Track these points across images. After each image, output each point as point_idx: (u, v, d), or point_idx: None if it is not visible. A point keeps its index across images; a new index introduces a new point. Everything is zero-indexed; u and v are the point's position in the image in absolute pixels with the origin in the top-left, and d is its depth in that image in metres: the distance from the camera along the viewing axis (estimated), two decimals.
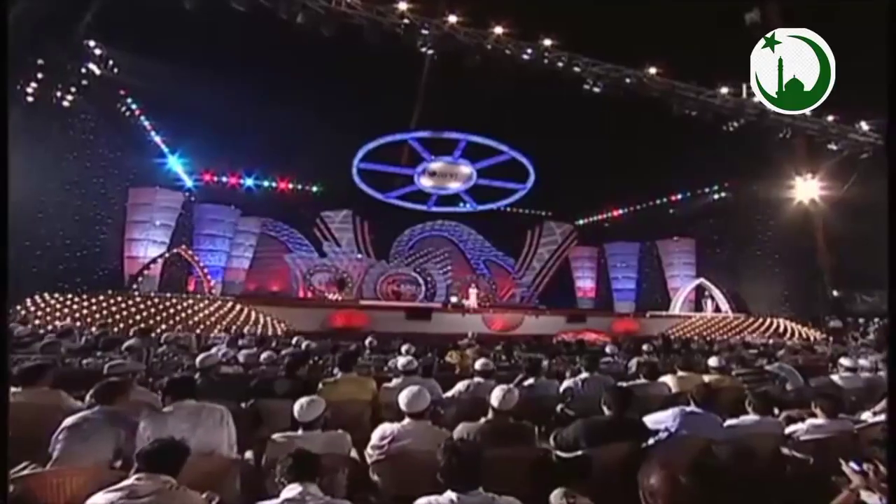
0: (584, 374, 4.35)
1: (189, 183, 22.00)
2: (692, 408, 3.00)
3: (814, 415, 3.16)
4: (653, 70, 14.47)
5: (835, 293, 20.22)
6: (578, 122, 18.25)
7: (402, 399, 2.77)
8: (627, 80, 14.47)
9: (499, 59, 13.56)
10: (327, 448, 2.54)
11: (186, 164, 21.13)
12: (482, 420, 2.83)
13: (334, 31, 12.54)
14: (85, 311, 13.10)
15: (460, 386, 4.08)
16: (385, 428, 2.71)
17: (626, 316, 22.56)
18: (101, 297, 13.89)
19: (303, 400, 2.73)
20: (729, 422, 3.13)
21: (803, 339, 15.63)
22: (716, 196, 23.70)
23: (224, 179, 23.56)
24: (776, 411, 3.73)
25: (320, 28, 12.44)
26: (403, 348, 5.25)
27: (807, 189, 19.39)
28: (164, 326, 13.17)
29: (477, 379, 4.10)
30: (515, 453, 2.57)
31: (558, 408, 4.17)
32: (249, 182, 24.14)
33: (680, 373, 4.80)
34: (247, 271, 24.63)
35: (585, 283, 30.01)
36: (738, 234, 23.38)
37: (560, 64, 13.95)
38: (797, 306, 20.89)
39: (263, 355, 5.16)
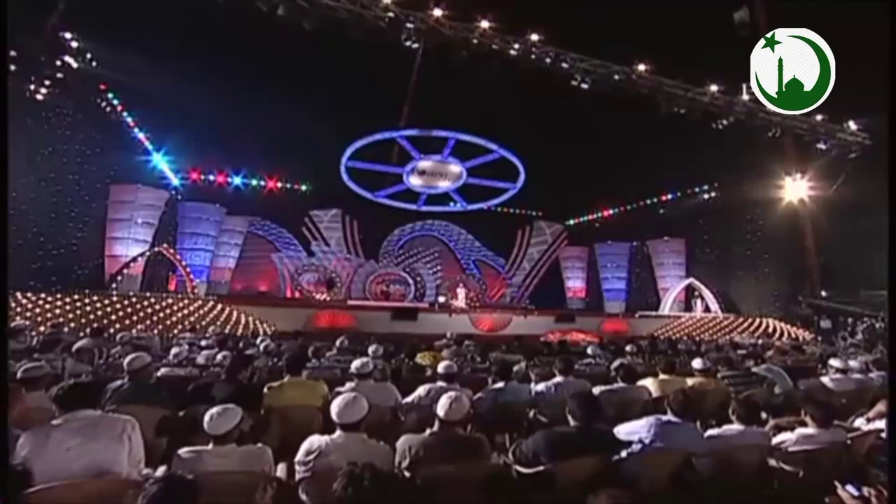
0: (559, 378, 4.06)
1: (175, 181, 21.58)
2: (669, 417, 2.70)
3: (804, 423, 2.88)
4: (641, 67, 14.28)
5: (823, 293, 20.17)
6: (568, 121, 18.17)
7: (334, 408, 2.45)
8: (616, 77, 14.28)
9: (486, 53, 13.30)
10: (243, 465, 2.22)
11: (172, 161, 20.71)
12: (427, 432, 2.50)
13: (317, 25, 12.22)
14: (58, 311, 12.64)
15: (420, 391, 3.76)
16: (312, 441, 2.39)
17: (615, 316, 22.44)
18: (77, 297, 13.44)
19: (213, 409, 2.37)
20: (710, 432, 2.84)
21: (792, 340, 15.48)
22: (706, 196, 23.61)
23: (211, 178, 23.15)
24: (764, 416, 3.47)
25: (302, 21, 12.12)
26: (371, 349, 4.92)
27: (795, 189, 19.34)
28: (140, 326, 12.81)
29: (440, 383, 3.80)
30: (465, 470, 2.25)
31: (531, 414, 3.88)
32: (237, 181, 23.78)
33: (661, 375, 4.50)
34: (233, 271, 24.19)
35: (575, 284, 29.85)
36: (727, 234, 23.38)
37: (548, 60, 13.73)
38: (786, 306, 20.84)
39: (219, 356, 4.83)
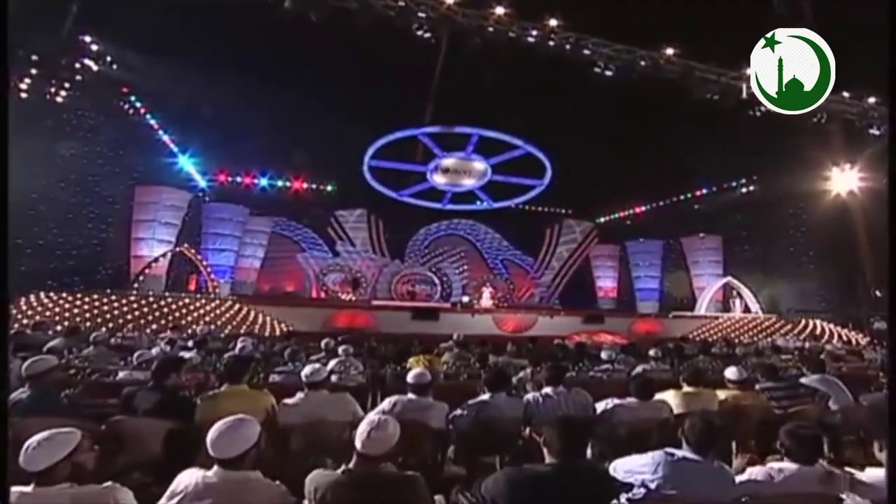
0: (547, 389, 3.39)
1: (202, 183, 21.72)
2: (685, 452, 1.98)
3: (877, 461, 2.05)
4: (669, 51, 13.26)
5: (877, 293, 18.63)
6: (596, 115, 17.39)
7: (210, 435, 1.86)
8: (642, 63, 13.32)
9: (501, 42, 12.60)
10: None
11: (198, 163, 20.83)
12: (340, 469, 1.87)
13: (324, 17, 11.82)
14: (76, 311, 12.73)
15: (385, 404, 3.13)
16: (182, 478, 1.81)
17: (647, 316, 21.40)
18: (95, 297, 13.52)
19: (34, 438, 1.75)
20: (748, 473, 2.05)
21: (845, 343, 14.16)
22: (743, 190, 22.30)
23: (238, 179, 23.27)
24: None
25: (309, 13, 11.74)
26: (341, 349, 4.35)
27: (844, 180, 17.92)
28: (154, 326, 12.76)
29: (409, 395, 3.17)
30: None
31: (525, 432, 3.23)
32: (264, 182, 23.83)
33: (686, 388, 3.68)
34: (259, 271, 24.23)
35: (606, 283, 28.80)
36: (768, 230, 22.09)
37: (568, 46, 12.89)
38: (835, 306, 19.38)
39: (196, 357, 4.34)
